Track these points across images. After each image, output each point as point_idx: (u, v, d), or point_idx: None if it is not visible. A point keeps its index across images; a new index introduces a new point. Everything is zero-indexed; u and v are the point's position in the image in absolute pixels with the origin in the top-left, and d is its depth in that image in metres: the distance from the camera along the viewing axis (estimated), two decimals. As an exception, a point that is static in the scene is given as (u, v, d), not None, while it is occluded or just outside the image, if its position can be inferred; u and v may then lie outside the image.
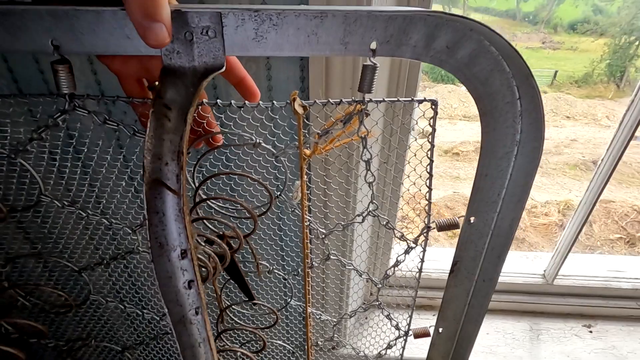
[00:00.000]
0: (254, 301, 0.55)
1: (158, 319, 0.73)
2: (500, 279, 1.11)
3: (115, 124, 0.42)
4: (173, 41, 0.32)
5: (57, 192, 0.60)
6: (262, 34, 0.32)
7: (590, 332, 1.16)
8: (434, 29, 0.33)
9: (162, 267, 0.30)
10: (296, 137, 0.48)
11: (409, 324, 0.65)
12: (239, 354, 0.62)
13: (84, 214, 0.55)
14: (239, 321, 0.66)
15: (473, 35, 0.33)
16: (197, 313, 0.33)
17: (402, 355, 0.71)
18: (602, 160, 0.99)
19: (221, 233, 0.48)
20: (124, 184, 0.63)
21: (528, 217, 4.08)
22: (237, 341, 0.71)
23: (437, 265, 1.21)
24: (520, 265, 1.24)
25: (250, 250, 0.51)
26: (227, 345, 0.59)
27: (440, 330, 0.66)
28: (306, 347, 0.74)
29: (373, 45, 0.33)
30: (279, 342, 0.78)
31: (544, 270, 1.20)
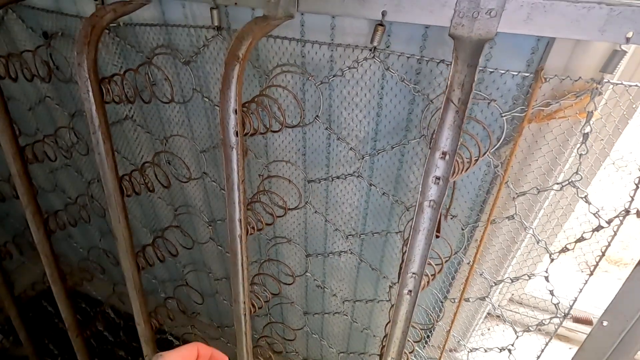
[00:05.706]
0: (438, 234, 0.69)
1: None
2: None
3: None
4: (461, 16, 0.46)
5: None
6: (532, 17, 0.43)
7: None
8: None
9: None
10: (514, 104, 0.57)
11: (571, 306, 0.68)
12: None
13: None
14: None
15: None
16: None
17: (553, 334, 0.75)
18: None
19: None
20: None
21: None
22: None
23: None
24: None
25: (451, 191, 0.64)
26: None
27: (605, 323, 0.66)
28: (459, 299, 0.85)
29: (629, 35, 0.40)
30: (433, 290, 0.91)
31: None
